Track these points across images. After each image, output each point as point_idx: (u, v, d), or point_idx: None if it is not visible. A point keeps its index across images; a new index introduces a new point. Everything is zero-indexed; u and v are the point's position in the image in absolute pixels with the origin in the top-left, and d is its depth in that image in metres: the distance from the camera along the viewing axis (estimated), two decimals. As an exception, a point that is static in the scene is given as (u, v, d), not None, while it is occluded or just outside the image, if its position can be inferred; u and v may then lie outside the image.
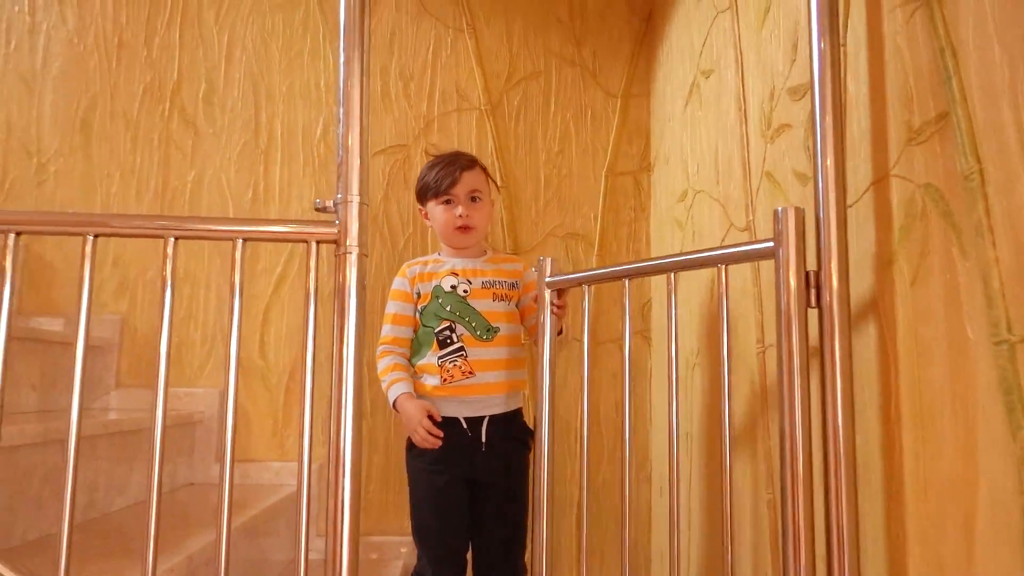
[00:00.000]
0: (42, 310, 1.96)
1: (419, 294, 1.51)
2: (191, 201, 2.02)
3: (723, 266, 1.05)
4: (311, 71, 2.07)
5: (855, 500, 0.87)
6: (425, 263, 1.55)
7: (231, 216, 2.01)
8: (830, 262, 0.91)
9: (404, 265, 1.57)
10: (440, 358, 1.44)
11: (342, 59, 0.89)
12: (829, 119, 0.94)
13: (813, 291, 0.93)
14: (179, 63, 2.05)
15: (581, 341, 1.92)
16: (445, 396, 1.44)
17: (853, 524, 0.86)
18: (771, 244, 0.96)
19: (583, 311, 1.32)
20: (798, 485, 0.91)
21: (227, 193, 2.02)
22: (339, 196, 0.88)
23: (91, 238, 0.89)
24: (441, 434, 1.39)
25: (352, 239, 0.87)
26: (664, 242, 1.94)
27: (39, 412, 1.65)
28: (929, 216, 0.82)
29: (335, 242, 0.88)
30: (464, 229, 1.49)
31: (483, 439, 1.44)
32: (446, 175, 1.49)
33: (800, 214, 0.95)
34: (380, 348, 1.51)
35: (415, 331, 1.51)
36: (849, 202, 0.99)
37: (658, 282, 1.98)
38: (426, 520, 1.45)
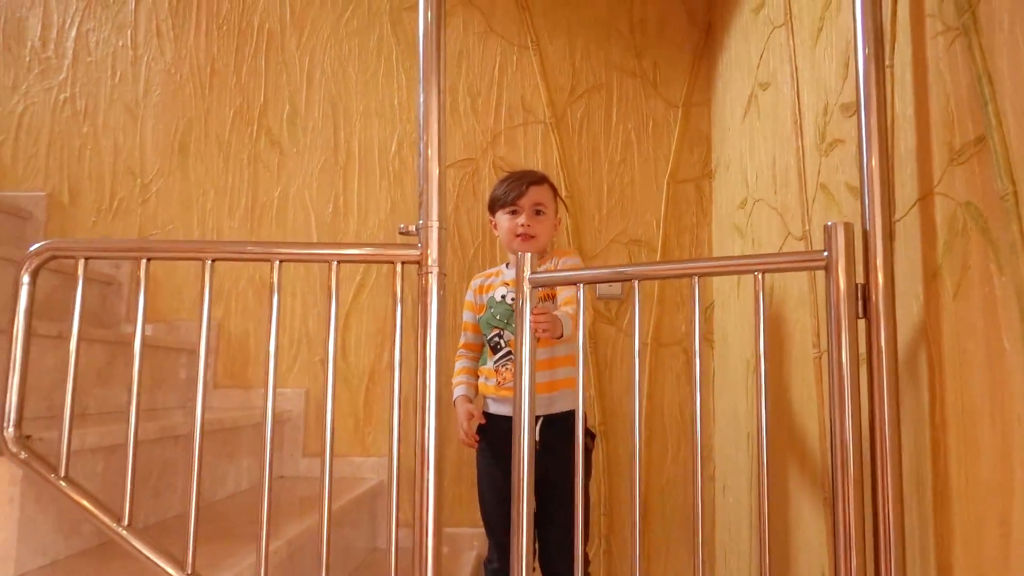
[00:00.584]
0: (147, 318, 2.14)
1: (478, 304, 1.65)
2: (277, 216, 2.18)
3: (759, 274, 1.10)
4: (385, 91, 2.21)
5: (900, 500, 0.93)
6: (486, 276, 1.70)
7: (315, 229, 2.16)
8: (877, 275, 0.97)
9: (473, 277, 1.73)
10: (495, 363, 1.56)
11: (421, 100, 1.00)
12: (875, 138, 1.00)
13: (862, 302, 0.99)
14: (265, 88, 2.22)
15: (642, 343, 1.99)
16: (502, 397, 1.56)
17: (899, 523, 0.92)
18: (823, 256, 1.02)
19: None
20: (848, 485, 0.97)
21: (310, 207, 2.17)
22: (420, 222, 0.99)
23: (209, 262, 1.02)
24: (477, 438, 1.58)
25: (432, 260, 0.98)
26: (725, 248, 1.99)
27: (149, 411, 1.83)
28: (969, 233, 0.87)
29: (418, 263, 0.98)
30: (525, 238, 1.60)
31: (538, 438, 1.53)
32: (514, 187, 1.61)
33: (850, 229, 1.01)
34: (457, 352, 1.69)
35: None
36: (897, 216, 1.04)
37: (721, 286, 2.03)
38: (491, 510, 1.57)
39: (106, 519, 0.97)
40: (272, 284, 1.03)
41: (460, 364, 1.69)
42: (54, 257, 1.01)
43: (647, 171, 2.16)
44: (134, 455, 1.00)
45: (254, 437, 1.91)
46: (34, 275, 1.00)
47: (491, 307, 1.61)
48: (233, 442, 1.76)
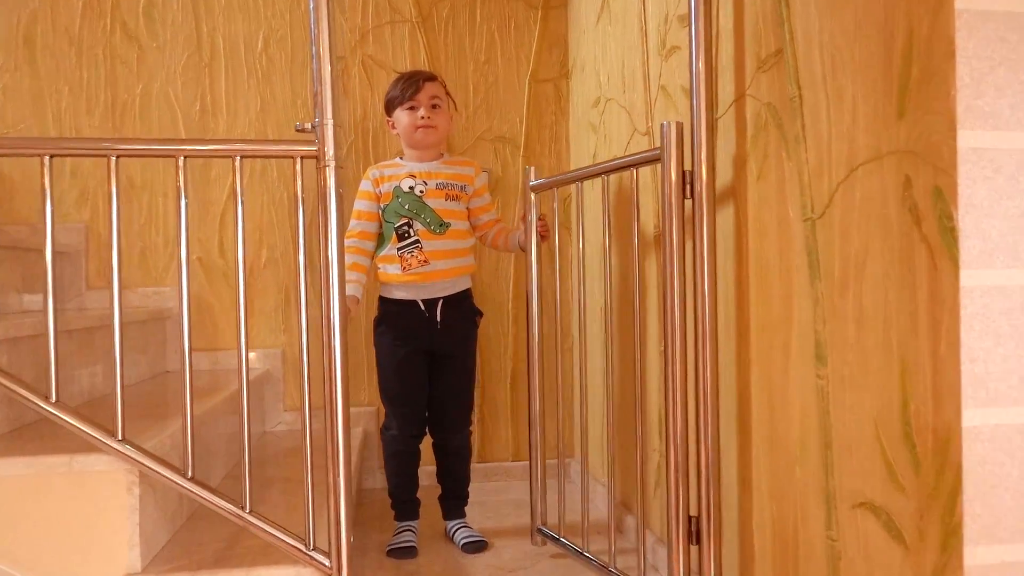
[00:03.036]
0: (7, 220, 2.09)
1: (381, 194, 1.73)
2: (141, 115, 2.14)
3: (634, 170, 1.35)
4: (247, -15, 2.18)
5: (716, 339, 1.19)
6: (384, 167, 1.77)
7: (183, 128, 2.15)
8: (701, 164, 1.19)
9: (368, 168, 1.78)
10: (399, 249, 1.69)
11: (311, 4, 1.08)
12: (702, 47, 1.19)
13: (689, 186, 1.21)
14: (116, -23, 2.12)
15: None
16: (405, 282, 1.70)
17: (714, 354, 1.18)
18: (657, 152, 1.23)
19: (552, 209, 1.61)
20: (676, 332, 1.21)
21: (176, 106, 2.15)
22: (317, 120, 1.09)
23: (114, 159, 1.08)
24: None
25: (330, 155, 1.09)
26: (581, 144, 2.20)
27: (26, 312, 1.83)
28: (769, 128, 1.10)
29: (316, 157, 1.10)
30: (425, 128, 1.71)
31: (438, 318, 1.71)
32: (410, 85, 1.71)
33: (680, 127, 1.22)
34: (346, 242, 1.74)
35: (379, 226, 1.75)
36: (719, 114, 1.26)
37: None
38: (392, 384, 1.74)
39: (34, 397, 1.06)
40: (178, 183, 1.10)
41: (349, 259, 1.70)
42: (-49, 155, 1.04)
43: (510, 71, 2.30)
44: (56, 338, 1.08)
45: (139, 333, 1.97)
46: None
47: (398, 196, 1.71)
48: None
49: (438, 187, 1.72)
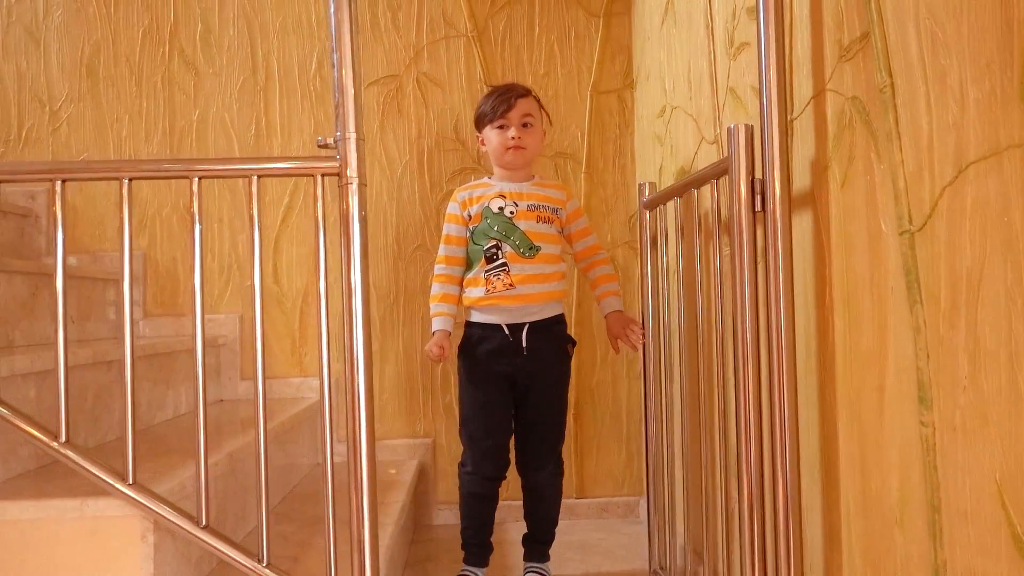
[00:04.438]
0: (69, 249, 2.10)
1: (470, 216, 1.65)
2: (198, 140, 2.13)
3: (713, 183, 1.20)
4: (301, 5, 2.14)
5: (794, 375, 1.02)
6: (471, 188, 1.69)
7: (237, 152, 2.12)
8: (773, 172, 1.03)
9: (456, 190, 1.70)
10: (487, 272, 1.60)
11: (332, 7, 0.99)
12: (773, 40, 1.04)
13: (760, 197, 1.05)
14: (174, 5, 2.12)
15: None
16: (487, 305, 1.60)
17: (792, 391, 1.01)
18: (726, 160, 1.08)
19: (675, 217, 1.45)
20: (747, 367, 1.05)
21: (231, 130, 2.13)
22: (338, 134, 1.00)
23: (127, 182, 1.01)
24: (444, 358, 1.62)
25: (352, 171, 0.99)
26: (647, 157, 2.05)
27: (80, 341, 1.82)
28: (855, 126, 0.94)
29: (337, 175, 1.00)
30: (516, 149, 1.62)
31: (523, 344, 1.59)
32: (501, 102, 1.63)
33: (749, 130, 1.07)
34: (435, 268, 1.68)
35: (467, 249, 1.66)
36: (795, 114, 1.10)
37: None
38: (471, 415, 1.63)
39: (43, 437, 0.99)
40: (192, 202, 1.03)
41: (438, 289, 1.66)
42: (-38, 182, 0.99)
43: (570, 83, 2.18)
44: (66, 374, 1.02)
45: (189, 363, 1.92)
46: (-58, 201, 0.98)
47: (487, 217, 1.62)
48: (168, 367, 1.77)
49: (529, 208, 1.62)
